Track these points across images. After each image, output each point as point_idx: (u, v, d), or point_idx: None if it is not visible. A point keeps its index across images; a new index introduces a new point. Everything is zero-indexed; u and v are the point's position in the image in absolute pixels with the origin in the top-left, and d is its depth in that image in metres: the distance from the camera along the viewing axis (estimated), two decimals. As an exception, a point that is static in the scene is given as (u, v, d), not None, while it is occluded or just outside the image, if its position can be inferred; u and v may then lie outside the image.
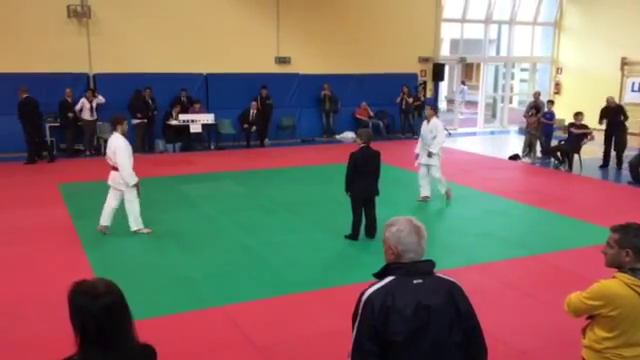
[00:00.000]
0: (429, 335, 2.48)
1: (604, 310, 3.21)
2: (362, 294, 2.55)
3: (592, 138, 13.43)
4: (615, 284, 3.21)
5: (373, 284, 2.57)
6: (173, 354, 4.78)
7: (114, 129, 8.18)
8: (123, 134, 8.10)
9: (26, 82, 13.58)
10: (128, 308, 2.25)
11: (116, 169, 8.07)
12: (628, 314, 3.16)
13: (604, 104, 14.03)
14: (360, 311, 2.52)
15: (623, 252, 3.21)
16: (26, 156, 13.50)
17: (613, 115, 13.77)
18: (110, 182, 8.21)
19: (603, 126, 13.97)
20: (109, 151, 8.12)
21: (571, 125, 13.69)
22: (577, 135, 13.32)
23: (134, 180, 8.07)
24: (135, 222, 8.30)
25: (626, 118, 14.00)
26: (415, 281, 2.53)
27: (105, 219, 8.25)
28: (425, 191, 10.18)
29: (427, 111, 10.36)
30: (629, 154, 13.30)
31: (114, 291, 2.22)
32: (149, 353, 2.34)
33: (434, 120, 10.04)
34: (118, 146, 7.94)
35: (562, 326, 5.40)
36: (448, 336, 2.52)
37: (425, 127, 10.10)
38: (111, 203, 8.24)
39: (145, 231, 8.33)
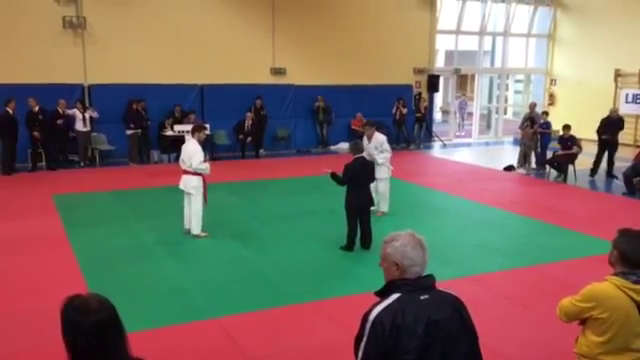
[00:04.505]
0: (438, 350, 2.47)
1: (595, 312, 3.25)
2: (367, 314, 2.49)
3: (579, 151, 13.51)
4: (606, 286, 3.27)
5: (377, 303, 2.52)
6: (166, 367, 4.74)
7: (192, 135, 8.66)
8: (199, 141, 8.60)
9: (21, 93, 13.56)
10: (121, 324, 2.22)
11: (187, 173, 8.49)
12: (618, 316, 3.20)
13: (605, 115, 14.14)
14: (367, 331, 2.45)
15: (613, 252, 3.34)
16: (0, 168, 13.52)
17: (614, 126, 13.89)
18: (181, 186, 8.61)
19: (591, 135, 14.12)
20: (184, 155, 8.54)
21: (560, 138, 13.80)
22: (564, 154, 13.46)
23: (208, 170, 8.58)
24: (196, 226, 8.59)
25: (622, 128, 14.28)
26: (422, 297, 2.50)
27: (187, 222, 8.70)
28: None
29: (368, 129, 9.88)
30: (622, 165, 13.34)
31: (107, 307, 2.19)
32: None
33: (377, 135, 9.83)
34: (193, 150, 8.45)
35: (558, 338, 5.39)
36: (456, 349, 2.51)
37: (368, 145, 9.70)
38: (187, 207, 8.69)
39: (203, 235, 8.60)
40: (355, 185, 7.97)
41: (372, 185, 9.62)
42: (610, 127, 13.90)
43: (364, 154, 9.50)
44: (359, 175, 8.01)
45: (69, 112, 14.41)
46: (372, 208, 8.83)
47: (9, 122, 13.29)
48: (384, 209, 9.93)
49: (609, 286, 3.24)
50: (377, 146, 9.78)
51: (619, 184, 12.81)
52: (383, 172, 9.77)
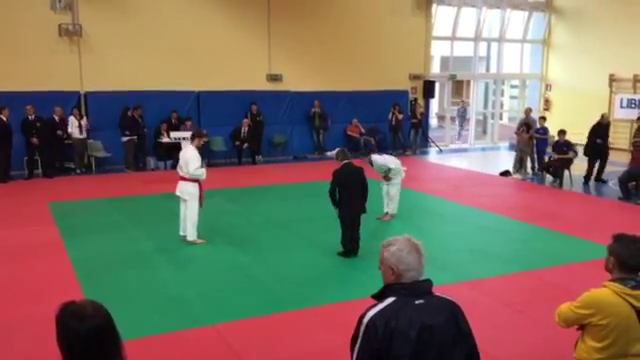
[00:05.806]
0: (434, 355, 2.47)
1: (594, 319, 3.24)
2: (362, 317, 2.50)
3: (575, 155, 13.59)
4: (605, 293, 3.26)
5: (373, 306, 2.53)
6: (164, 374, 4.72)
7: (192, 141, 8.68)
8: (197, 147, 8.63)
9: (17, 100, 13.54)
10: (116, 330, 2.21)
11: (184, 179, 8.50)
12: (617, 323, 3.20)
13: (596, 120, 14.15)
14: (361, 334, 2.47)
15: (609, 259, 3.33)
16: None
17: (605, 132, 13.93)
18: (178, 192, 8.64)
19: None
20: (181, 161, 8.60)
21: (555, 143, 13.86)
22: (559, 159, 13.54)
23: (204, 175, 8.54)
24: (191, 233, 8.58)
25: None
26: (417, 301, 2.51)
27: (183, 229, 8.69)
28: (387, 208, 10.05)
29: (367, 158, 9.83)
30: (617, 169, 13.38)
31: (102, 313, 2.19)
32: None
33: (375, 159, 9.83)
34: (190, 156, 8.47)
35: (555, 343, 5.39)
36: (452, 355, 2.52)
37: (376, 165, 9.87)
38: (183, 214, 8.69)
39: (199, 242, 8.58)
40: (346, 192, 7.93)
41: (384, 188, 9.77)
42: (602, 133, 13.94)
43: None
44: (349, 181, 7.97)
45: (70, 131, 14.39)
46: (385, 210, 9.60)
47: (3, 129, 13.27)
48: (392, 211, 9.99)
49: (608, 292, 3.23)
50: (382, 166, 9.82)
51: (614, 189, 12.83)
52: (395, 177, 9.91)
